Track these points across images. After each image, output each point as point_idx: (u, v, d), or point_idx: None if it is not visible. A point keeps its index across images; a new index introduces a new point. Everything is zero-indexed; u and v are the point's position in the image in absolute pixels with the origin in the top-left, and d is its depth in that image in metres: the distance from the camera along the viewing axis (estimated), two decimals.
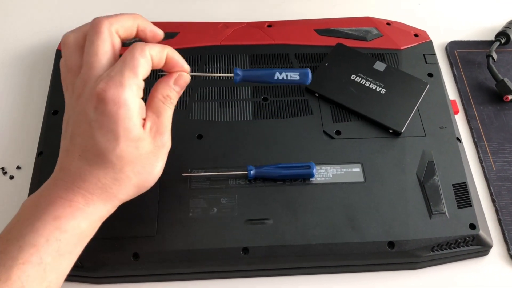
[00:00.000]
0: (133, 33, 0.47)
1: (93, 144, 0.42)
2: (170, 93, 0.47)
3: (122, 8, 0.74)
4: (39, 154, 0.57)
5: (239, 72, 0.51)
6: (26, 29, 0.73)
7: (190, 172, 0.55)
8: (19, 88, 0.66)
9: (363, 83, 0.62)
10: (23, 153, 0.60)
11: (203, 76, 0.56)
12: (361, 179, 0.55)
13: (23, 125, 0.63)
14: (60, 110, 0.60)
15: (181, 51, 0.65)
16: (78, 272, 0.50)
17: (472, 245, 0.52)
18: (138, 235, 0.51)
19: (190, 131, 0.58)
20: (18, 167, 0.59)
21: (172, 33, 0.67)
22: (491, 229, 0.55)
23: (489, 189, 0.59)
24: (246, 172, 0.54)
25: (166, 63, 0.47)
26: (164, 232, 0.51)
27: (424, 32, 0.70)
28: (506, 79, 0.65)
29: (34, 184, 0.55)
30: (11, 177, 0.58)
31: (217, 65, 0.65)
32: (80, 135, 0.43)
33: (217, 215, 0.52)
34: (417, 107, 0.61)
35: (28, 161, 0.59)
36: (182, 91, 0.48)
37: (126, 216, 0.52)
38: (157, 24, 0.68)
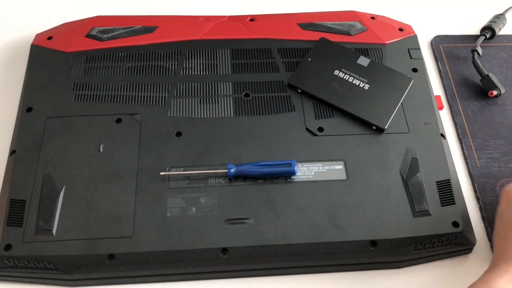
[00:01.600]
0: None
1: None
2: None
3: (98, 2, 0.72)
4: (12, 152, 0.55)
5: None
6: (0, 24, 0.70)
7: (168, 171, 0.53)
8: None
9: (347, 78, 0.61)
10: None
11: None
12: (344, 177, 0.54)
13: None
14: (35, 106, 0.58)
15: (160, 46, 0.64)
16: (52, 274, 0.49)
17: (455, 244, 0.52)
18: (114, 235, 0.49)
19: (169, 128, 0.57)
20: None
21: (150, 27, 0.65)
22: (475, 227, 0.54)
23: (473, 186, 0.58)
24: (226, 171, 0.53)
25: None
26: (141, 233, 0.50)
27: (409, 26, 0.69)
28: (491, 74, 0.64)
29: (5, 184, 0.53)
30: None
31: (197, 60, 0.63)
32: None
33: (196, 215, 0.51)
34: (401, 103, 0.60)
35: (1, 159, 0.57)
36: None
37: (101, 217, 0.50)
38: (136, 18, 0.67)
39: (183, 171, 0.54)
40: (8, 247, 0.49)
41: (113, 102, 0.58)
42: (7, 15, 0.71)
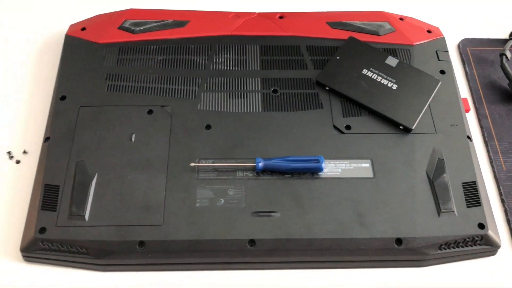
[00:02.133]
0: None
1: None
2: None
3: None
4: (46, 139, 0.56)
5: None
6: (35, 14, 0.72)
7: (198, 162, 0.54)
8: (28, 73, 0.66)
9: (375, 78, 0.61)
10: (30, 138, 0.60)
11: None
12: (370, 175, 0.55)
13: (31, 110, 0.62)
14: (68, 95, 0.59)
15: (191, 40, 0.65)
16: (83, 259, 0.50)
17: (480, 245, 0.52)
18: (145, 223, 0.51)
19: (199, 121, 0.58)
20: (24, 152, 0.59)
21: (182, 21, 0.66)
22: (500, 229, 0.55)
23: (499, 189, 0.58)
24: (254, 164, 0.54)
25: None
26: (171, 221, 0.51)
27: (437, 28, 0.69)
28: None
29: (40, 169, 0.54)
30: (18, 162, 0.58)
31: (227, 55, 0.64)
32: None
33: (224, 206, 0.52)
34: (429, 104, 0.60)
35: (35, 146, 0.59)
36: None
37: (132, 204, 0.51)
38: (168, 12, 0.68)
39: (212, 163, 0.55)
40: (42, 230, 0.50)
41: (145, 93, 0.60)
42: (43, 5, 0.73)
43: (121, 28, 0.65)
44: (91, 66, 0.62)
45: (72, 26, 0.67)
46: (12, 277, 0.50)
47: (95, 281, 0.50)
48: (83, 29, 0.66)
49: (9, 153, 0.59)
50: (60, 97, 0.59)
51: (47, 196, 0.52)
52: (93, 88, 0.60)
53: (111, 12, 0.68)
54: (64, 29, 0.67)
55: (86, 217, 0.51)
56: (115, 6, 0.69)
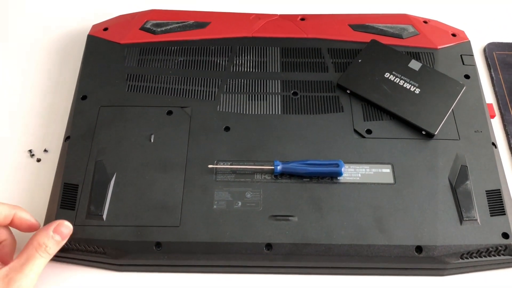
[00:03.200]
0: (8, 221, 0.48)
1: None
2: (48, 241, 0.47)
3: None
4: (67, 138, 0.57)
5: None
6: (58, 14, 0.73)
7: (216, 164, 0.54)
8: (50, 73, 0.67)
9: (397, 81, 0.60)
10: (51, 137, 0.60)
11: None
12: (391, 181, 0.53)
13: (52, 109, 0.63)
14: (89, 95, 0.60)
15: (212, 42, 0.65)
16: (100, 258, 0.50)
17: (504, 255, 0.50)
18: (162, 224, 0.51)
19: (218, 123, 0.57)
20: (45, 150, 0.59)
21: (203, 22, 0.66)
22: None
23: None
24: (273, 167, 0.53)
25: (13, 221, 0.48)
26: (188, 223, 0.51)
27: (462, 32, 0.67)
28: None
29: (60, 168, 0.55)
30: (38, 160, 0.59)
31: (247, 57, 0.64)
32: None
33: (241, 209, 0.52)
34: (452, 109, 0.59)
35: (56, 144, 0.59)
36: (64, 241, 0.48)
37: (150, 205, 0.51)
38: (189, 13, 0.68)
39: (231, 165, 0.54)
40: None
41: (165, 94, 0.60)
42: (66, 5, 0.74)
43: (143, 28, 0.66)
44: (112, 66, 0.62)
45: (94, 26, 0.68)
46: None
47: (111, 281, 0.51)
48: (105, 29, 0.66)
49: (30, 151, 0.59)
50: (81, 97, 0.60)
51: (66, 195, 0.52)
52: (113, 88, 0.60)
53: (133, 13, 0.69)
54: (86, 29, 0.68)
55: (104, 216, 0.51)
56: (138, 7, 0.70)
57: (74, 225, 0.50)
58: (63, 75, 0.66)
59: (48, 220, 0.51)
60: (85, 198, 0.52)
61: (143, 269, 0.51)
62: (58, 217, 0.51)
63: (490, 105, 0.62)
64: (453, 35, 0.66)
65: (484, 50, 0.70)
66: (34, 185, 0.57)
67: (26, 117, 0.62)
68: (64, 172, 0.54)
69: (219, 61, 0.63)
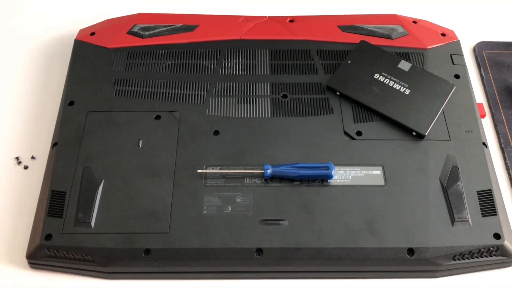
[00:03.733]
0: None
1: None
2: None
3: (140, 0, 0.73)
4: (54, 145, 0.56)
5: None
6: (44, 19, 0.72)
7: (206, 169, 0.54)
8: (37, 78, 0.66)
9: (387, 82, 0.60)
10: (38, 144, 0.60)
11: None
12: (382, 183, 0.53)
13: (39, 116, 0.62)
14: (77, 101, 0.59)
15: (200, 45, 0.64)
16: (89, 266, 0.49)
17: (495, 256, 0.50)
18: (151, 231, 0.50)
19: (207, 127, 0.57)
20: (32, 157, 0.59)
21: (191, 25, 0.66)
22: None
23: None
24: (263, 171, 0.53)
25: None
26: (177, 229, 0.50)
27: (452, 31, 0.67)
28: None
29: (47, 175, 0.54)
30: (26, 167, 0.58)
31: (236, 60, 0.63)
32: None
33: (232, 214, 0.51)
34: (442, 109, 0.58)
35: (43, 151, 0.58)
36: None
37: (139, 212, 0.51)
38: (177, 16, 0.68)
39: (220, 169, 0.54)
40: (48, 237, 0.50)
41: (153, 98, 0.59)
42: (52, 10, 0.73)
43: (130, 32, 0.65)
44: (99, 71, 0.62)
45: (81, 31, 0.67)
46: (18, 284, 0.50)
47: None
48: (93, 34, 0.66)
49: (17, 158, 0.59)
50: (69, 103, 0.59)
51: (54, 203, 0.52)
52: (101, 94, 0.60)
53: (121, 17, 0.68)
54: (73, 34, 0.67)
55: (92, 224, 0.50)
56: (125, 11, 0.69)
57: (61, 233, 0.50)
58: (50, 81, 0.65)
59: (36, 228, 0.51)
60: (73, 205, 0.51)
61: (133, 276, 0.50)
62: (45, 225, 0.50)
63: (481, 104, 0.61)
64: (443, 34, 0.66)
65: (474, 49, 0.69)
66: (21, 192, 0.56)
67: (12, 124, 0.61)
68: (52, 179, 0.53)
69: (208, 64, 0.62)
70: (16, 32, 0.70)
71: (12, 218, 0.54)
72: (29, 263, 0.50)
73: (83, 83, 0.61)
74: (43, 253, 0.49)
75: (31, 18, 0.72)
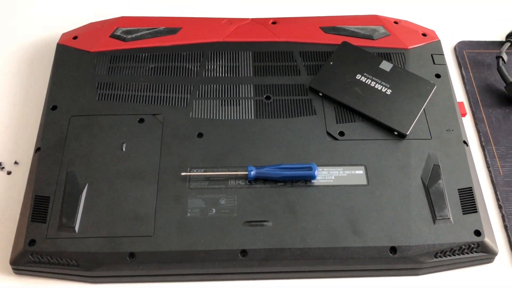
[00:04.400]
0: None
1: None
2: None
3: (123, 3, 0.73)
4: (37, 150, 0.56)
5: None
6: (26, 23, 0.72)
7: (189, 171, 0.54)
8: (19, 83, 0.65)
9: (369, 83, 0.60)
10: (21, 149, 0.59)
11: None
12: (364, 182, 0.54)
13: (21, 120, 0.62)
14: (59, 105, 0.59)
15: (183, 47, 0.64)
16: (73, 271, 0.49)
17: (476, 252, 0.51)
18: (135, 234, 0.50)
19: (190, 129, 0.57)
20: (15, 163, 0.58)
21: (174, 28, 0.66)
22: (497, 236, 0.54)
23: (496, 195, 0.57)
24: (247, 173, 0.53)
25: None
26: (161, 232, 0.50)
27: (433, 31, 0.68)
28: None
29: (30, 180, 0.54)
30: (9, 173, 0.58)
31: (219, 62, 0.63)
32: None
33: (216, 216, 0.51)
34: (424, 108, 0.59)
35: (26, 156, 0.58)
36: None
37: (123, 215, 0.51)
38: (160, 19, 0.68)
39: (204, 172, 0.54)
40: (32, 242, 0.49)
41: (136, 102, 0.59)
42: (34, 14, 0.73)
43: (113, 36, 0.65)
44: (82, 75, 0.62)
45: (64, 35, 0.67)
46: None
47: None
48: (75, 37, 0.66)
49: (0, 163, 0.58)
50: (51, 107, 0.59)
51: (37, 208, 0.51)
52: (84, 98, 0.59)
53: (103, 20, 0.68)
54: (56, 38, 0.67)
55: (76, 228, 0.50)
56: (107, 14, 0.69)
57: (45, 238, 0.50)
58: (32, 85, 0.65)
59: (19, 234, 0.51)
60: (57, 210, 0.51)
61: (117, 280, 0.50)
62: (29, 230, 0.50)
63: (461, 103, 0.62)
64: (424, 34, 0.67)
65: (455, 49, 0.70)
66: (5, 198, 0.56)
67: None
68: (35, 184, 0.53)
69: (191, 67, 0.63)
70: None
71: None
72: (13, 269, 0.50)
73: (66, 87, 0.60)
74: (27, 259, 0.49)
75: (11, 22, 0.72)
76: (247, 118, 0.58)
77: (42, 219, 0.51)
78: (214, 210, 0.52)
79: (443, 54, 0.65)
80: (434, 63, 0.64)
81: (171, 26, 0.66)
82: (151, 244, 0.50)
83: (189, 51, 0.64)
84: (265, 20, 0.68)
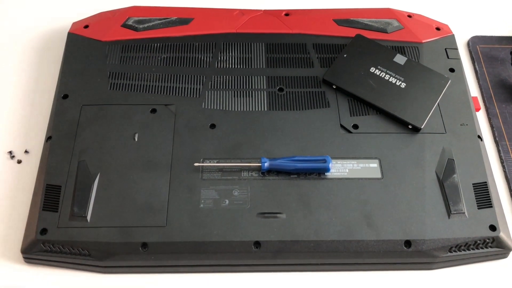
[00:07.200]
0: None
1: None
2: None
3: None
4: (48, 138, 0.55)
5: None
6: (38, 12, 0.71)
7: (202, 162, 0.53)
8: (30, 72, 0.65)
9: (383, 76, 0.60)
10: (32, 138, 0.59)
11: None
12: (378, 175, 0.53)
13: (32, 109, 0.61)
14: (71, 94, 0.58)
15: (195, 38, 0.64)
16: (85, 260, 0.49)
17: (491, 247, 0.51)
18: (148, 224, 0.50)
19: (203, 120, 0.57)
20: (26, 151, 0.58)
21: (186, 19, 0.65)
22: (511, 231, 0.53)
23: (510, 190, 0.57)
24: (260, 164, 0.53)
25: None
26: (174, 223, 0.50)
27: (446, 25, 0.68)
28: None
29: (41, 169, 0.53)
30: (19, 161, 0.57)
31: (231, 53, 0.63)
32: None
33: (229, 207, 0.51)
34: (438, 103, 0.59)
35: (37, 145, 0.58)
36: None
37: (135, 205, 0.51)
38: (172, 9, 0.67)
39: (217, 163, 0.53)
40: (44, 231, 0.49)
41: (148, 92, 0.59)
42: (45, 3, 0.72)
43: (125, 25, 0.64)
44: (93, 64, 0.61)
45: (75, 24, 0.66)
46: (13, 279, 0.50)
47: (97, 283, 0.50)
48: (86, 27, 0.65)
49: (10, 152, 0.58)
50: (62, 96, 0.58)
51: (49, 197, 0.51)
52: (95, 87, 0.59)
53: (115, 10, 0.67)
54: (67, 27, 0.66)
55: (88, 218, 0.50)
56: (119, 4, 0.69)
57: (57, 227, 0.49)
58: (43, 74, 0.65)
59: (31, 223, 0.50)
60: (68, 199, 0.51)
61: (129, 270, 0.50)
62: (40, 219, 0.50)
63: (475, 98, 0.62)
64: (437, 29, 0.67)
65: (468, 43, 0.70)
66: (16, 187, 0.55)
67: (6, 118, 0.61)
68: (46, 173, 0.53)
69: (203, 57, 0.62)
70: (8, 26, 0.69)
71: (7, 212, 0.53)
72: (24, 257, 0.50)
73: (77, 76, 0.60)
74: (39, 248, 0.49)
75: (23, 11, 0.71)
76: (260, 109, 0.58)
77: (53, 208, 0.50)
78: (227, 201, 0.51)
79: (457, 49, 0.65)
80: (448, 58, 0.64)
81: (183, 16, 0.66)
82: (164, 234, 0.49)
83: (201, 42, 0.63)
84: (278, 11, 0.67)
